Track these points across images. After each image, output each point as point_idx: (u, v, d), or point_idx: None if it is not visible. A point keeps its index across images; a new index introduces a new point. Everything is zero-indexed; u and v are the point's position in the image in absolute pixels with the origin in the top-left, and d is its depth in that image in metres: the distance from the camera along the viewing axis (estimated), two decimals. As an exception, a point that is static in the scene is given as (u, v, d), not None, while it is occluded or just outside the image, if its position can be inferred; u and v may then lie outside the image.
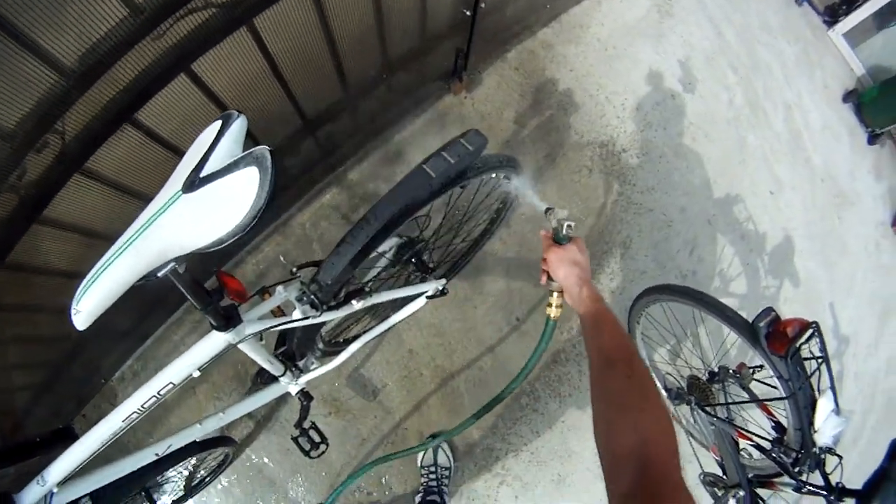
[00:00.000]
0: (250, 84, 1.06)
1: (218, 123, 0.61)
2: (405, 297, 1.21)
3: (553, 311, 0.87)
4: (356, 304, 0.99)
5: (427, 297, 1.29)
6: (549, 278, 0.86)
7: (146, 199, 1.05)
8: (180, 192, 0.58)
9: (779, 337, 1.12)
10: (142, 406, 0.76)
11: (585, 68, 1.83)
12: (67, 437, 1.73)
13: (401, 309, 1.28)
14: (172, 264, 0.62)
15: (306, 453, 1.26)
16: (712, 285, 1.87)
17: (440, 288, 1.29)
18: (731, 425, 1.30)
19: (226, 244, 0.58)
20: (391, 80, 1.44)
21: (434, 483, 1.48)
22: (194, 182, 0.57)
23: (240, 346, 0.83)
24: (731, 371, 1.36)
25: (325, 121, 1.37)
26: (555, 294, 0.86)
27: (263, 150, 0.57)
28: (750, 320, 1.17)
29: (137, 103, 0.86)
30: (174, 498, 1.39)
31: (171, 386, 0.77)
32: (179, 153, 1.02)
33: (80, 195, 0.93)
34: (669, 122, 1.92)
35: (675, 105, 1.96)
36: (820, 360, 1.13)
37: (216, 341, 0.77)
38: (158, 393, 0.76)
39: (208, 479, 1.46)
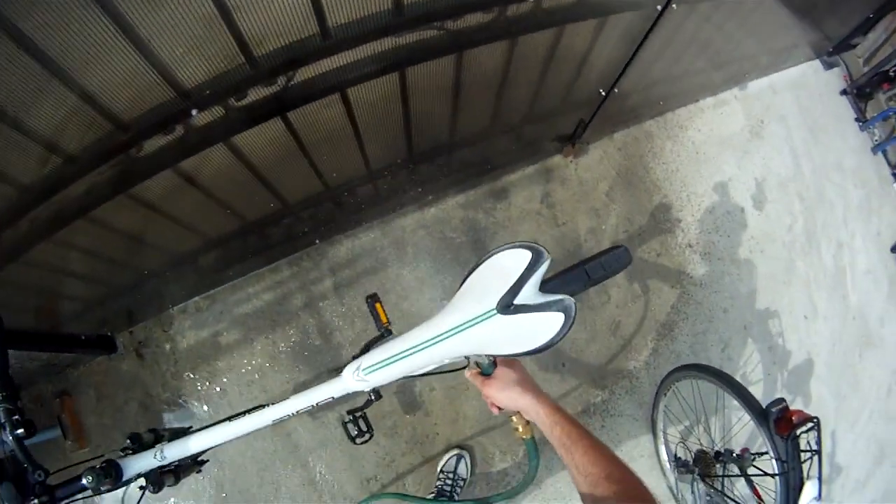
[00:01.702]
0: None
1: (526, 255, 0.68)
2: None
3: (524, 432, 0.83)
4: None
5: None
6: (500, 408, 0.82)
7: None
8: (495, 312, 0.68)
9: (785, 422, 1.33)
10: (295, 412, 0.81)
11: (676, 165, 2.05)
12: (108, 346, 1.91)
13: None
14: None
15: (352, 439, 1.36)
16: (733, 384, 2.05)
17: None
18: (726, 498, 1.49)
19: (512, 357, 0.73)
20: (523, 129, 1.68)
21: (448, 488, 1.66)
22: (508, 306, 0.68)
23: None
24: (734, 454, 1.57)
25: (461, 146, 1.60)
26: (514, 418, 0.82)
27: (571, 302, 0.68)
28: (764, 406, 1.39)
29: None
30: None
31: (330, 399, 0.83)
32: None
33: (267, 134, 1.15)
34: (734, 231, 2.13)
35: (743, 218, 2.17)
36: (814, 452, 1.33)
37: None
38: (316, 404, 0.82)
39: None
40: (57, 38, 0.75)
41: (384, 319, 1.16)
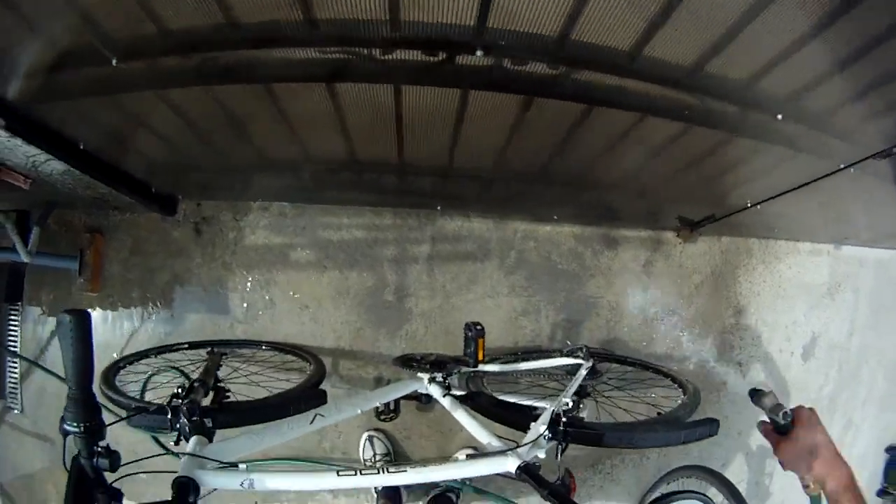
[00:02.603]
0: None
1: None
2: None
3: (813, 489, 0.82)
4: None
5: None
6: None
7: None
8: None
9: None
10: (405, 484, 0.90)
11: (759, 288, 2.14)
12: (168, 208, 1.84)
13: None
14: None
15: (378, 414, 1.42)
16: None
17: None
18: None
19: None
20: (665, 200, 1.74)
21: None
22: None
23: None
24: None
25: (611, 189, 1.65)
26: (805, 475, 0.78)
27: None
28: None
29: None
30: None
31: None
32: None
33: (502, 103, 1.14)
34: (778, 369, 2.23)
35: (789, 361, 2.27)
36: None
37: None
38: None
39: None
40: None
41: (480, 356, 1.24)
